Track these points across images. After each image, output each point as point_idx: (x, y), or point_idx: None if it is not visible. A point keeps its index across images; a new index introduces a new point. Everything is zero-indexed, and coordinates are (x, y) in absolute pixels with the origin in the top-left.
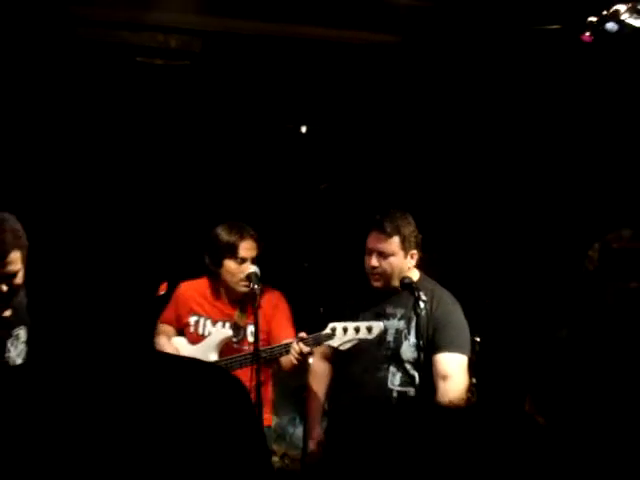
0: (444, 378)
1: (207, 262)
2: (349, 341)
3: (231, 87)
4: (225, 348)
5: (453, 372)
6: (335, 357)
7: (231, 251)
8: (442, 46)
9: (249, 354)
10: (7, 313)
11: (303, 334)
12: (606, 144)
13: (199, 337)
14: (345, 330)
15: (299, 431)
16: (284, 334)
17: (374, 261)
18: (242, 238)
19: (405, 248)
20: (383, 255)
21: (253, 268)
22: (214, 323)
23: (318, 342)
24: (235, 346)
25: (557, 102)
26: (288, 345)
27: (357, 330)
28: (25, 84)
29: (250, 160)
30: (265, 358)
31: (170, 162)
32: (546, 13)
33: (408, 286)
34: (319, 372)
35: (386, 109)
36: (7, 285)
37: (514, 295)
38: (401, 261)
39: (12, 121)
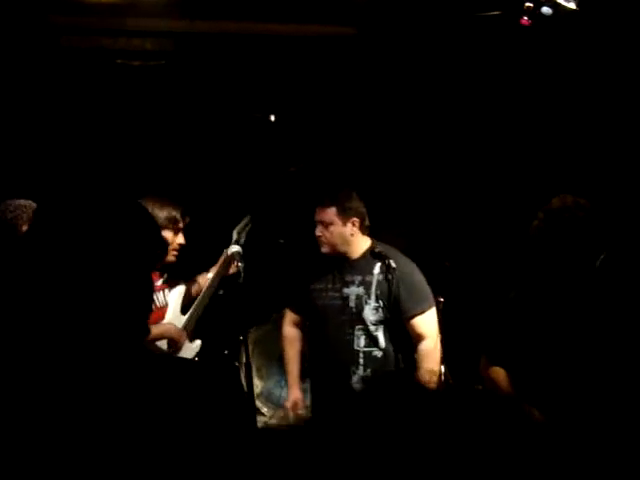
0: (420, 338)
1: None
2: (240, 239)
3: (203, 81)
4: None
5: (426, 331)
6: (303, 323)
7: (172, 223)
8: (393, 36)
9: (208, 283)
10: None
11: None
12: (546, 121)
13: (162, 309)
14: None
15: (285, 392)
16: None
17: (317, 231)
18: (179, 211)
19: (342, 217)
20: (324, 224)
21: (236, 247)
22: (156, 294)
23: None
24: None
25: (501, 85)
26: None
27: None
28: (13, 92)
29: (224, 147)
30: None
31: (153, 153)
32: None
33: (378, 255)
34: (290, 337)
35: (347, 96)
36: None
37: (472, 258)
38: (340, 229)
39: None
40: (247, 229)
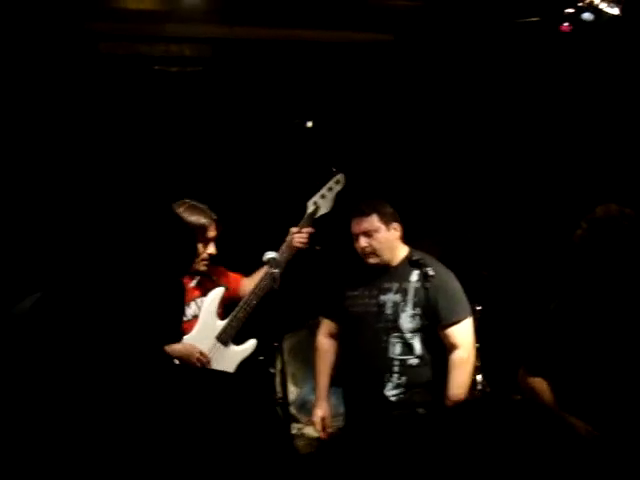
0: (454, 347)
1: None
2: (332, 199)
3: (241, 87)
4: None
5: (461, 341)
6: (338, 332)
7: (200, 233)
8: (431, 42)
9: (254, 288)
10: None
11: (294, 228)
12: (591, 127)
13: (193, 320)
14: (323, 196)
15: None
16: (240, 280)
17: (362, 242)
18: (211, 220)
19: (385, 222)
20: (368, 234)
21: (272, 254)
22: (188, 305)
23: (311, 219)
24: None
25: (542, 90)
26: (288, 241)
27: (330, 189)
28: (53, 99)
29: (261, 153)
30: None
31: (190, 159)
32: (526, 7)
33: (416, 263)
34: (322, 349)
35: (384, 103)
36: None
37: (510, 267)
38: (386, 234)
39: (43, 135)
40: (333, 193)
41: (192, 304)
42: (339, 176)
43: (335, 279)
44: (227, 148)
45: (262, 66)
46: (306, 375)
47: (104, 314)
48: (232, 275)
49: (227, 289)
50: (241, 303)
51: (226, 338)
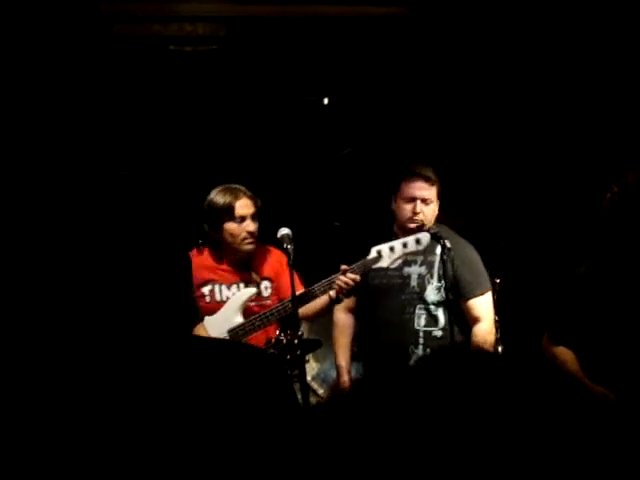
0: (477, 320)
1: (207, 230)
2: (399, 257)
3: (256, 65)
4: (245, 309)
5: (484, 314)
6: (358, 307)
7: (228, 212)
8: (447, 16)
9: (279, 305)
10: None
11: (345, 266)
12: (609, 98)
13: (217, 304)
14: (392, 249)
15: None
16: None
17: (418, 208)
18: (237, 198)
19: (439, 195)
20: (426, 202)
21: (285, 230)
22: (229, 287)
23: (366, 267)
24: (254, 305)
25: (556, 63)
26: (331, 280)
27: (405, 245)
28: (68, 81)
29: (278, 131)
30: (310, 297)
31: (207, 138)
32: None
33: (434, 236)
34: (342, 324)
35: (400, 77)
36: None
37: (529, 238)
38: (437, 207)
39: (61, 115)
40: (405, 250)
41: (233, 287)
42: (421, 235)
43: (354, 254)
44: (243, 127)
45: (276, 44)
46: (327, 350)
47: (105, 289)
48: (286, 279)
49: (264, 291)
50: (266, 312)
51: (236, 337)
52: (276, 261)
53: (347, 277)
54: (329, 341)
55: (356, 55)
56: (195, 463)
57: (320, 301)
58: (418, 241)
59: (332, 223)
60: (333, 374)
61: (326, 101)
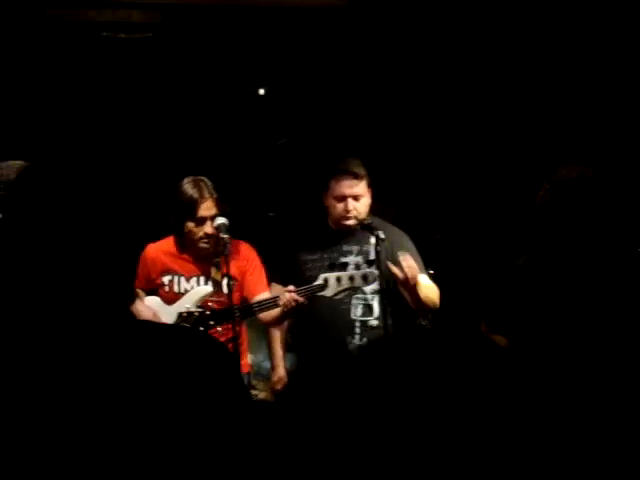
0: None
1: (171, 220)
2: (343, 290)
3: (192, 54)
4: (203, 304)
5: (427, 280)
6: None
7: (191, 212)
8: (385, 7)
9: (234, 307)
10: None
11: (291, 287)
12: (544, 88)
13: (176, 295)
14: (339, 280)
15: None
16: (259, 288)
17: (350, 205)
18: (202, 198)
19: (369, 187)
20: (357, 198)
21: (221, 219)
22: (188, 280)
23: (311, 293)
24: (213, 302)
25: (497, 57)
26: (276, 298)
27: (351, 279)
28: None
29: (213, 119)
30: (253, 312)
31: (140, 125)
32: None
33: (368, 227)
34: None
35: (337, 69)
36: None
37: (462, 231)
38: (369, 200)
39: None
40: (350, 284)
41: (192, 280)
42: (368, 271)
43: (289, 244)
44: (178, 116)
45: (213, 33)
46: (260, 342)
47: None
48: (253, 277)
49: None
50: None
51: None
52: (243, 258)
53: (292, 296)
54: (262, 333)
55: (294, 46)
56: (135, 447)
57: (274, 312)
58: (365, 278)
59: (266, 213)
60: (267, 365)
61: (262, 91)
